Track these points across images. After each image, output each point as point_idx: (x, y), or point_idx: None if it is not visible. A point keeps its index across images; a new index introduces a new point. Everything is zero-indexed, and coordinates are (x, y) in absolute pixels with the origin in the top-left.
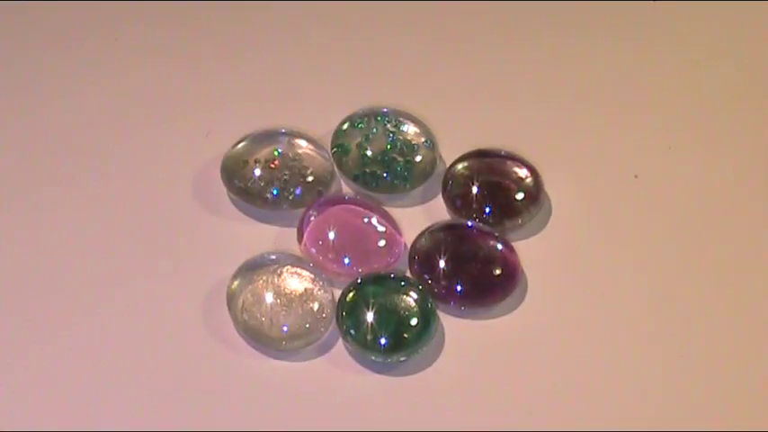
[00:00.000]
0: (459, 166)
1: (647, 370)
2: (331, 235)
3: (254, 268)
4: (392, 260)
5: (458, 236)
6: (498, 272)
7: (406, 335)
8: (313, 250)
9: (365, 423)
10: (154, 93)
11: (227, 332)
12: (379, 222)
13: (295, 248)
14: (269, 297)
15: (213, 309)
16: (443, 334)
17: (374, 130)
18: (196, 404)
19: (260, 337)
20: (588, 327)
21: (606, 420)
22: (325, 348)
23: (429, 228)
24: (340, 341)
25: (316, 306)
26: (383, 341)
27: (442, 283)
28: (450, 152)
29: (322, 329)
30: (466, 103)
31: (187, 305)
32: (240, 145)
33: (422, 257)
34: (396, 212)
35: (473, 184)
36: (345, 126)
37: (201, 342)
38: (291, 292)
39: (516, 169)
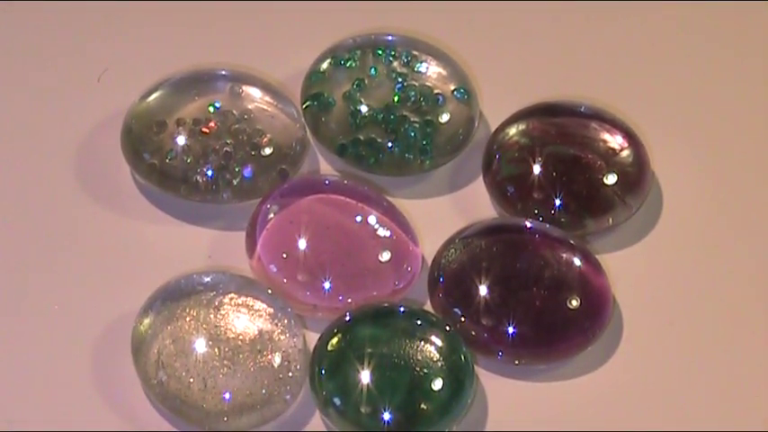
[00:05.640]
0: (513, 129)
1: None
2: (301, 243)
3: (176, 298)
4: (401, 284)
5: (510, 245)
6: (576, 303)
7: (424, 406)
8: (273, 268)
9: None
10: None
11: (131, 400)
12: (380, 222)
13: (244, 265)
14: (201, 345)
15: (108, 363)
16: (485, 404)
17: (372, 70)
18: None
19: (186, 410)
20: (716, 391)
21: None
22: (292, 429)
23: (462, 231)
24: (317, 416)
25: (277, 359)
26: (387, 417)
27: (485, 321)
28: (498, 107)
29: (287, 398)
30: (521, 28)
31: (66, 357)
32: (153, 96)
33: (451, 280)
34: (408, 206)
35: (535, 159)
36: (325, 64)
37: (89, 416)
38: (237, 338)
39: (605, 135)
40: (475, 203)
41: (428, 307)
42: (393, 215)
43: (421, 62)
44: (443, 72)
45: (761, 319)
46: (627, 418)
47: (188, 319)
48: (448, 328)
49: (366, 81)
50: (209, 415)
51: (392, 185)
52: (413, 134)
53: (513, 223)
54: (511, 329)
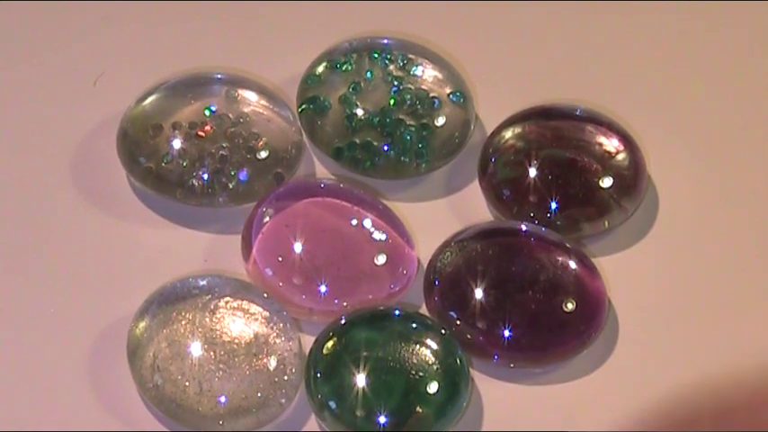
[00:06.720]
0: (508, 133)
1: None
2: (297, 247)
3: (171, 301)
4: (397, 287)
5: (505, 248)
6: (571, 306)
7: (420, 409)
8: (268, 272)
9: None
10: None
11: (127, 404)
12: (375, 226)
13: (240, 269)
14: (196, 348)
15: (104, 366)
16: (481, 407)
17: (368, 74)
18: None
19: (181, 413)
20: (712, 394)
21: None
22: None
23: (458, 235)
24: (312, 420)
25: (272, 363)
26: (383, 420)
27: (480, 325)
28: (493, 111)
29: (283, 401)
30: (517, 31)
31: (62, 361)
32: (149, 100)
33: (446, 284)
34: (404, 210)
35: (530, 162)
36: (321, 68)
37: (84, 420)
38: (233, 341)
39: (601, 139)
40: (470, 207)
41: (424, 310)
42: (389, 218)
43: (417, 65)
44: (439, 75)
45: (757, 323)
46: (622, 421)
47: (183, 322)
48: (443, 331)
49: (362, 84)
50: (205, 418)
51: (388, 189)
52: (409, 137)
53: (509, 226)
54: (506, 333)
